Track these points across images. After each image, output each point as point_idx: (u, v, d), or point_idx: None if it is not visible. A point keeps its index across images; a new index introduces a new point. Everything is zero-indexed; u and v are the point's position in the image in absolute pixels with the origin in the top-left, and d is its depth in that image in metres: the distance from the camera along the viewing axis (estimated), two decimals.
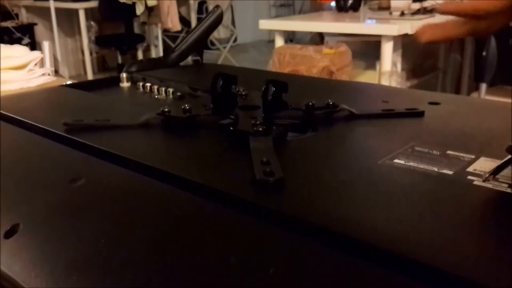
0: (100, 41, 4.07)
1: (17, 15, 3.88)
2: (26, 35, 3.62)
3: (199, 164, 0.44)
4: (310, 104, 0.54)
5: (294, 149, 0.48)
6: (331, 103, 0.54)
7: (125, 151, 0.45)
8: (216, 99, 0.54)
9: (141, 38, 4.14)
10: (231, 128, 0.48)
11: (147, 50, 4.24)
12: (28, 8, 3.99)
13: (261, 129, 0.46)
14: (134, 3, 3.64)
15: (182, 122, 0.53)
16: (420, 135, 0.49)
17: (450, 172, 0.39)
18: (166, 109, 0.53)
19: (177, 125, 0.53)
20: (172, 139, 0.52)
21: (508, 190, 0.36)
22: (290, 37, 5.10)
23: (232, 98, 0.54)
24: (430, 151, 0.44)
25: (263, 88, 0.52)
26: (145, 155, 0.45)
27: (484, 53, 1.78)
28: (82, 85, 0.78)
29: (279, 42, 2.38)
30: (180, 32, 4.08)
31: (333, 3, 2.89)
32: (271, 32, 4.08)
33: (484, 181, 0.37)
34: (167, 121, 0.53)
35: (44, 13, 3.89)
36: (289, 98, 0.53)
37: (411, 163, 0.41)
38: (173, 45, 0.89)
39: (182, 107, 0.54)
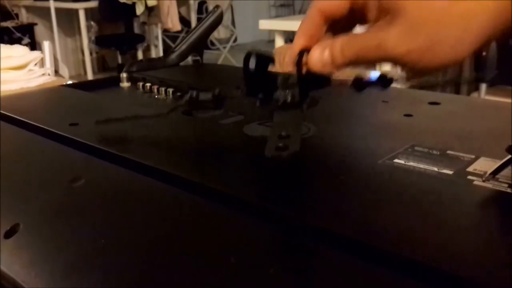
0: (100, 41, 4.07)
1: (17, 15, 3.88)
2: (26, 35, 3.62)
3: (199, 164, 0.44)
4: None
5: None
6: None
7: (126, 151, 0.45)
8: (249, 80, 0.48)
9: (141, 38, 4.14)
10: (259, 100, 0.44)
11: (147, 50, 4.24)
12: (28, 8, 4.00)
13: (290, 99, 0.41)
14: (134, 3, 3.64)
15: (212, 105, 0.48)
16: (420, 135, 0.49)
17: (450, 172, 0.39)
18: (194, 94, 0.48)
19: (206, 109, 0.50)
20: (172, 138, 0.52)
21: (508, 190, 0.36)
22: (290, 37, 5.10)
23: (268, 79, 0.48)
24: (430, 151, 0.44)
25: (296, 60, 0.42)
26: (145, 155, 0.45)
27: (484, 53, 1.78)
28: (82, 85, 0.78)
29: (279, 42, 2.38)
30: (180, 32, 4.08)
31: None
32: (271, 32, 4.08)
33: (484, 181, 0.37)
34: (196, 106, 0.49)
35: (44, 13, 3.89)
36: None
37: (411, 163, 0.41)
38: (173, 45, 0.89)
39: (212, 92, 0.48)
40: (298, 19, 2.94)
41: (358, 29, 0.38)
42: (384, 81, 0.41)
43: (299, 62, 0.41)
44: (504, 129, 0.48)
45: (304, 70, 0.41)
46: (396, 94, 0.73)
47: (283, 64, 0.44)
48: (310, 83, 0.44)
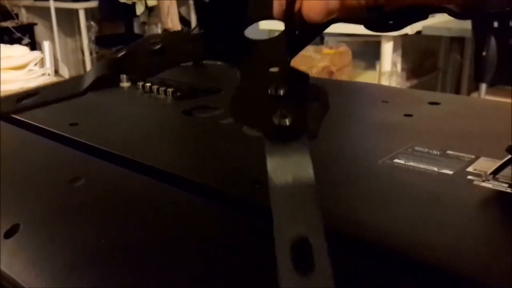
0: (100, 41, 4.06)
1: (17, 15, 3.88)
2: (26, 35, 3.62)
3: (199, 164, 0.44)
4: None
5: None
6: None
7: (125, 151, 0.45)
8: (202, 15, 0.31)
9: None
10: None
11: None
12: (28, 8, 3.99)
13: (287, 122, 0.24)
14: (134, 3, 3.64)
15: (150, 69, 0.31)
16: (420, 135, 0.49)
17: (450, 172, 0.39)
18: (123, 53, 0.30)
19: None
20: (172, 138, 0.52)
21: (508, 190, 0.36)
22: None
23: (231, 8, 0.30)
24: (430, 151, 0.44)
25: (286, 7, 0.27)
26: (144, 155, 0.45)
27: (484, 53, 1.78)
28: None
29: None
30: None
31: None
32: (271, 32, 4.08)
33: (484, 181, 0.37)
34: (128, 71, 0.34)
35: (44, 13, 3.89)
36: None
37: (411, 163, 0.41)
38: None
39: (152, 44, 0.30)
40: None
41: None
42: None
43: (290, 9, 0.26)
44: (504, 129, 0.48)
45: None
46: (396, 94, 0.73)
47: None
48: (303, 40, 0.30)
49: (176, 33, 0.34)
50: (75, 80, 0.32)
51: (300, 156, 0.24)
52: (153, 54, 0.30)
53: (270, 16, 0.31)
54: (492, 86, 1.91)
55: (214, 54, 0.31)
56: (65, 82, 0.35)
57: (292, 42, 0.29)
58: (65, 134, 0.51)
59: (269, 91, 0.26)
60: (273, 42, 0.32)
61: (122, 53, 0.30)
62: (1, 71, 1.15)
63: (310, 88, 0.27)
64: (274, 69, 0.29)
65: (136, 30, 4.25)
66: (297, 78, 0.28)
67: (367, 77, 2.29)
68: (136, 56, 0.30)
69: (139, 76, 0.30)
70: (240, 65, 0.30)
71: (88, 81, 0.31)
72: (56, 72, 2.62)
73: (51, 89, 0.37)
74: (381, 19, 0.28)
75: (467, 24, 1.92)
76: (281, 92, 0.26)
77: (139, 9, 3.69)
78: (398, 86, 2.06)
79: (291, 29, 0.28)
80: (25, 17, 3.98)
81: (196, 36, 0.31)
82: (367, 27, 0.30)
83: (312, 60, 2.05)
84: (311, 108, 0.26)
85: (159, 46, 0.30)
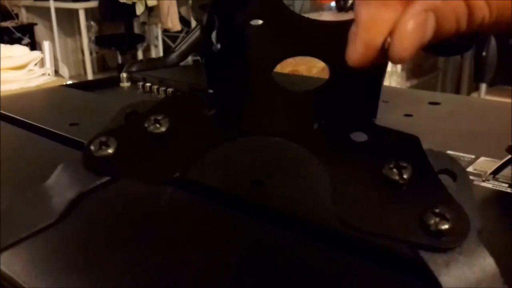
0: (100, 41, 4.07)
1: (17, 15, 3.88)
2: (26, 35, 3.62)
3: (199, 164, 0.44)
4: None
5: (292, 149, 0.48)
6: None
7: None
8: (212, 68, 0.23)
9: (141, 38, 4.14)
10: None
11: (147, 50, 4.24)
12: (28, 8, 3.99)
13: (449, 224, 0.17)
14: (134, 3, 3.64)
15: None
16: (420, 135, 0.49)
17: None
18: (114, 146, 0.21)
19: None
20: None
21: (508, 190, 0.36)
22: None
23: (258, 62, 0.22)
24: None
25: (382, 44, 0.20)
26: None
27: (484, 53, 1.78)
28: (82, 85, 0.78)
29: None
30: (180, 32, 4.08)
31: (333, 3, 2.89)
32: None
33: (484, 181, 0.37)
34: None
35: (44, 13, 3.89)
36: None
37: None
38: (173, 45, 0.89)
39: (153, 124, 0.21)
40: None
41: None
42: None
43: (385, 53, 0.19)
44: (504, 129, 0.48)
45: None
46: (396, 94, 0.73)
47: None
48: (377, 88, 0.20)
49: (182, 96, 0.18)
50: (43, 206, 0.21)
51: (488, 267, 0.17)
52: (158, 140, 0.18)
53: (317, 55, 0.22)
54: (492, 86, 1.91)
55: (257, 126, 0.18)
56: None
57: (374, 95, 0.19)
58: (65, 134, 0.51)
59: (387, 175, 0.17)
60: (322, 94, 0.21)
61: (112, 147, 0.18)
62: (1, 71, 1.15)
63: (433, 159, 0.18)
64: (361, 139, 0.19)
65: (136, 30, 4.25)
66: (406, 146, 0.18)
67: None
68: (135, 148, 0.18)
69: (145, 183, 0.19)
70: (300, 139, 0.19)
71: (63, 202, 0.20)
72: (56, 72, 2.63)
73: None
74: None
75: None
76: (406, 176, 0.18)
77: (139, 9, 3.70)
78: (398, 86, 2.06)
79: (379, 79, 0.18)
80: (25, 17, 3.98)
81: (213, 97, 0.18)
82: (433, 51, 0.24)
83: (312, 60, 2.05)
84: (452, 189, 0.18)
85: (165, 128, 0.18)
